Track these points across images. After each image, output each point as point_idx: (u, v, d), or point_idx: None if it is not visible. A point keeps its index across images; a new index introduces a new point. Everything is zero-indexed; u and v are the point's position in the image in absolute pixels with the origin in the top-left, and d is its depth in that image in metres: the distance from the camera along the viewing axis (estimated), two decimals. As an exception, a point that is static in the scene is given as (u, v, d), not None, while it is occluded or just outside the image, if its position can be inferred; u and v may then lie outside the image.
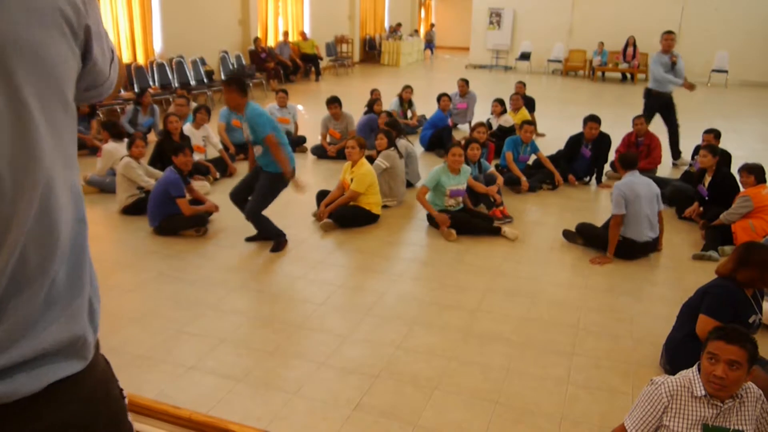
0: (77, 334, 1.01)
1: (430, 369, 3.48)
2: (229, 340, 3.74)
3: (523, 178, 6.77)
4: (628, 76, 16.37)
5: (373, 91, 9.15)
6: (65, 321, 0.98)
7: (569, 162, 7.22)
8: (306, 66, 15.10)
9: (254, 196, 5.02)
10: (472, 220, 5.55)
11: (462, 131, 9.57)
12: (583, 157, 7.18)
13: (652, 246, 5.11)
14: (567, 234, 5.43)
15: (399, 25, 20.25)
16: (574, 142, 7.26)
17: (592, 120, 7.06)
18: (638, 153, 7.10)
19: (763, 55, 15.83)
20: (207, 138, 7.24)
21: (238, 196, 5.19)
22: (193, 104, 8.36)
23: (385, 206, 6.00)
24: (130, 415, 1.22)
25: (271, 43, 14.43)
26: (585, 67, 17.14)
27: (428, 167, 7.53)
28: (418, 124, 9.60)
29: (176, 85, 10.61)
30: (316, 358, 3.55)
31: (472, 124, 7.82)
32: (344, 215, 5.65)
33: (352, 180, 5.65)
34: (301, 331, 3.87)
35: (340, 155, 7.81)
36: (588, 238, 5.28)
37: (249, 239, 5.25)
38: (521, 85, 9.67)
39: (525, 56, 17.85)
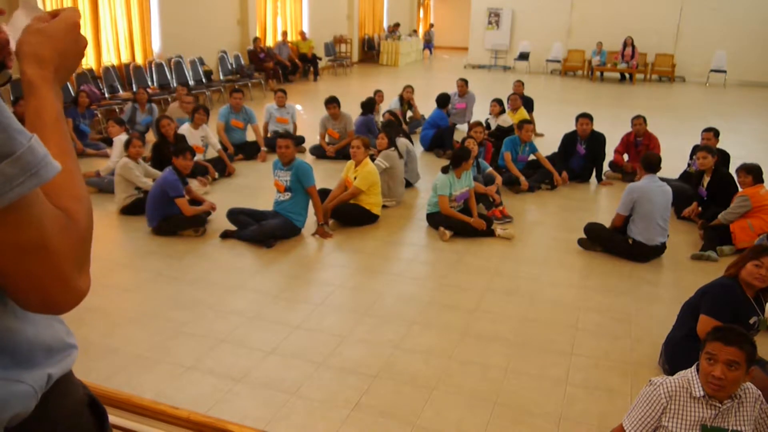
0: None
1: (429, 369, 3.47)
2: (228, 341, 3.73)
3: (522, 178, 6.77)
4: (627, 76, 16.37)
5: (377, 92, 9.12)
6: None
7: (565, 160, 7.24)
8: (304, 66, 15.10)
9: (266, 230, 5.23)
10: (464, 224, 5.53)
11: (461, 131, 9.56)
12: (578, 155, 7.21)
13: (662, 250, 5.11)
14: (582, 242, 5.29)
15: (397, 25, 20.24)
16: (569, 139, 7.30)
17: (584, 116, 7.15)
18: (637, 153, 7.13)
19: (761, 55, 15.85)
20: (205, 138, 7.23)
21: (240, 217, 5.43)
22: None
23: (383, 206, 6.00)
24: (130, 416, 1.22)
25: (269, 43, 14.43)
26: (584, 67, 17.14)
27: (428, 167, 7.54)
28: (416, 124, 9.60)
29: (174, 85, 10.60)
30: (314, 359, 3.55)
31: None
32: (345, 213, 5.65)
33: (355, 178, 5.66)
34: (300, 331, 3.86)
35: (339, 155, 7.81)
36: (606, 245, 5.19)
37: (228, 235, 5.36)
38: (520, 84, 9.66)
39: (524, 56, 17.85)
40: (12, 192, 0.71)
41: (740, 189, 5.50)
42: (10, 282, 0.78)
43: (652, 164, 5.10)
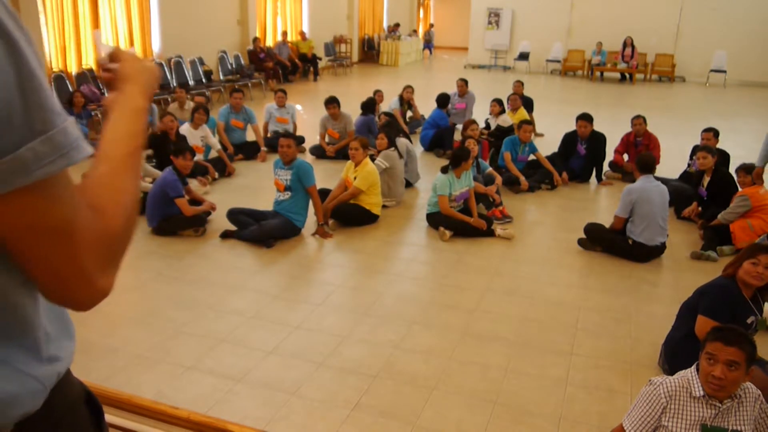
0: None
1: (429, 369, 3.48)
2: (228, 340, 3.74)
3: (522, 178, 6.77)
4: (627, 76, 16.38)
5: (377, 92, 9.13)
6: None
7: (566, 160, 7.25)
8: (304, 66, 15.10)
9: (266, 230, 5.24)
10: (464, 224, 5.53)
11: (461, 131, 9.57)
12: (579, 155, 7.23)
13: (662, 250, 5.11)
14: (582, 242, 5.29)
15: (397, 25, 20.25)
16: (569, 139, 7.31)
17: (583, 118, 7.16)
18: (637, 153, 7.12)
19: (761, 55, 15.85)
20: (205, 138, 7.23)
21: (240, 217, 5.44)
22: (191, 104, 8.36)
23: (383, 206, 6.00)
24: (130, 416, 1.21)
25: (269, 43, 14.43)
26: (584, 67, 17.14)
27: (428, 167, 7.54)
28: (416, 124, 9.60)
29: (174, 84, 10.59)
30: (314, 359, 3.55)
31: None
32: (345, 213, 5.66)
33: (355, 178, 5.66)
34: (300, 331, 3.86)
35: (339, 155, 7.81)
36: (606, 245, 5.18)
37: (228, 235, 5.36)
38: (519, 84, 9.67)
39: (524, 56, 17.85)
40: (40, 170, 0.71)
41: (740, 189, 5.50)
42: (32, 268, 0.77)
43: (647, 165, 5.11)
